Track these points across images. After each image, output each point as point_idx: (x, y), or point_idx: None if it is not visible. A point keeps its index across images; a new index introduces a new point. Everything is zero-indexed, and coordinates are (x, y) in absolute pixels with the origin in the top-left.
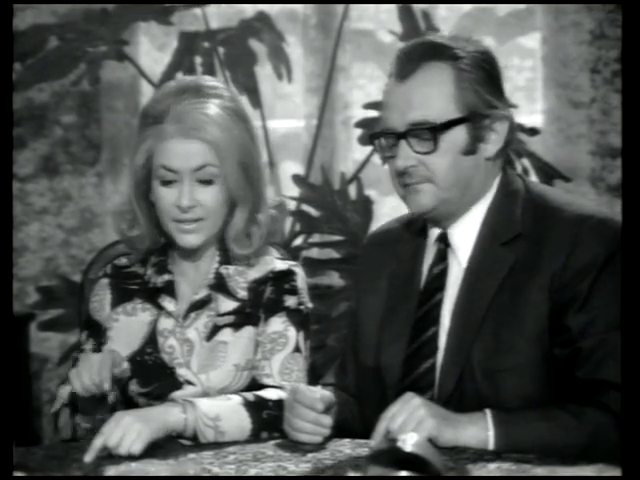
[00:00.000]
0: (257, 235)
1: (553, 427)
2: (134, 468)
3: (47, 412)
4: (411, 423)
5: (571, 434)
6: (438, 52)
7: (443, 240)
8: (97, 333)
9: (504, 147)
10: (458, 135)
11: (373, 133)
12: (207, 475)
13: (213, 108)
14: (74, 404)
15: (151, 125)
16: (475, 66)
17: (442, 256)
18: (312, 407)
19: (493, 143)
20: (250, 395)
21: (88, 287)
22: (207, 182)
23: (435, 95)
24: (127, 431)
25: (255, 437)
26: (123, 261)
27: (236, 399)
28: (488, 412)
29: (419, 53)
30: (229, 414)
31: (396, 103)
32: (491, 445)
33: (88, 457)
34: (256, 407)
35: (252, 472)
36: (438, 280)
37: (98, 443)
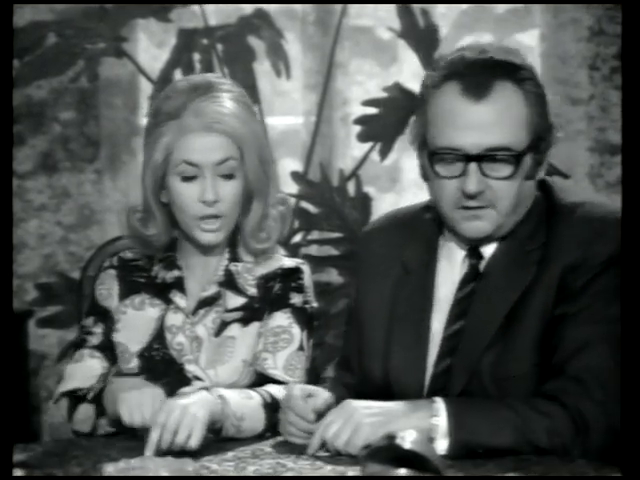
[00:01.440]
0: (274, 229)
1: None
2: (133, 464)
3: (46, 409)
4: (346, 431)
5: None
6: (508, 72)
7: (474, 255)
8: (105, 319)
9: None
10: (527, 161)
11: (435, 151)
12: (207, 475)
13: (229, 102)
14: (99, 403)
15: (166, 121)
16: (536, 87)
17: (474, 273)
18: (304, 417)
19: (545, 166)
20: (267, 395)
21: (87, 284)
22: (228, 177)
23: (511, 119)
24: (182, 421)
25: (260, 436)
26: (129, 255)
27: (257, 399)
28: (438, 399)
29: (489, 71)
30: (251, 415)
31: (468, 123)
32: (442, 429)
33: (148, 452)
34: (272, 409)
35: (251, 469)
36: (468, 300)
37: (155, 436)
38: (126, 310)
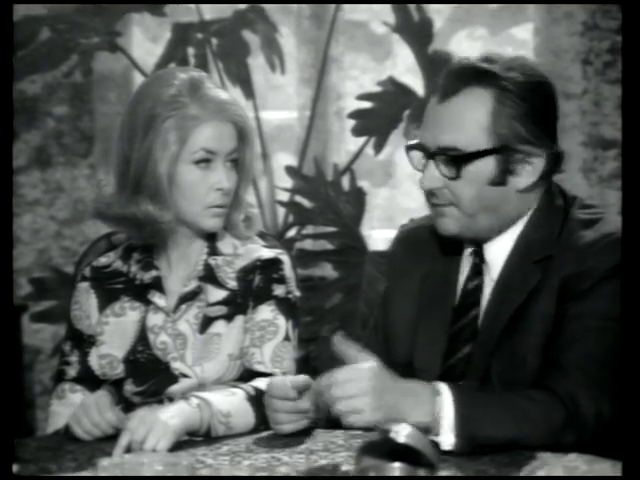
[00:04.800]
0: (256, 216)
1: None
2: (127, 459)
3: (40, 404)
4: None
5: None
6: (483, 78)
7: (478, 255)
8: (81, 344)
9: (540, 180)
10: (486, 165)
11: (408, 146)
12: (204, 475)
13: (226, 93)
14: None
15: (171, 111)
16: (519, 100)
17: (477, 271)
18: (286, 397)
19: (525, 176)
20: (250, 389)
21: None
22: (233, 166)
23: (468, 122)
24: (152, 428)
25: (255, 430)
26: (102, 261)
27: (240, 394)
28: (441, 385)
29: (465, 76)
30: (237, 410)
31: (431, 122)
32: (448, 415)
33: (116, 455)
34: (258, 401)
35: (246, 463)
36: (473, 296)
37: (124, 441)
38: (108, 320)
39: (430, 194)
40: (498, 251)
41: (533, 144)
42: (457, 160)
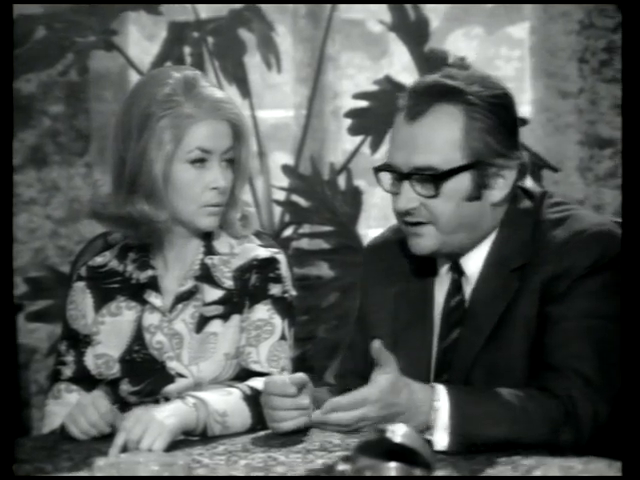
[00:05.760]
0: (252, 214)
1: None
2: (123, 459)
3: (35, 403)
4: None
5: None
6: (450, 95)
7: (456, 271)
8: (76, 344)
9: (512, 191)
10: (462, 182)
11: (377, 167)
12: (202, 475)
13: (221, 92)
14: None
15: (166, 110)
16: (487, 113)
17: (457, 286)
18: (285, 394)
19: (499, 189)
20: (247, 388)
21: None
22: (229, 165)
23: (441, 140)
24: (148, 427)
25: (251, 430)
26: (98, 261)
27: (236, 393)
28: (440, 390)
29: (431, 94)
30: (234, 409)
31: (402, 143)
32: (442, 420)
33: (112, 454)
34: (254, 401)
35: (242, 463)
36: (457, 311)
37: (120, 440)
38: (104, 320)
39: (405, 213)
40: (476, 263)
41: (505, 156)
42: (434, 179)
